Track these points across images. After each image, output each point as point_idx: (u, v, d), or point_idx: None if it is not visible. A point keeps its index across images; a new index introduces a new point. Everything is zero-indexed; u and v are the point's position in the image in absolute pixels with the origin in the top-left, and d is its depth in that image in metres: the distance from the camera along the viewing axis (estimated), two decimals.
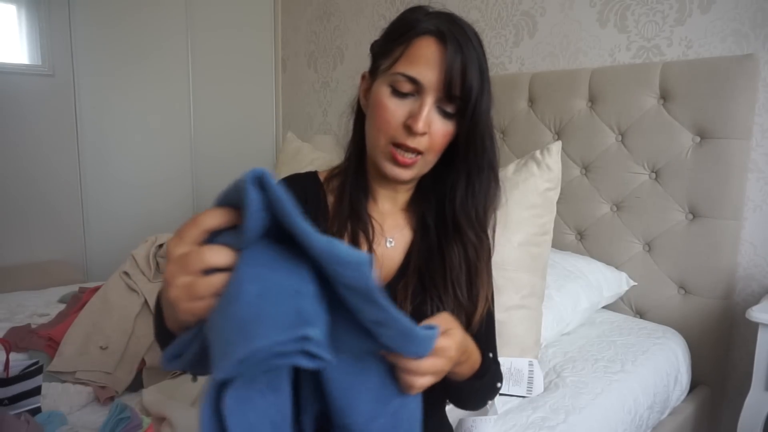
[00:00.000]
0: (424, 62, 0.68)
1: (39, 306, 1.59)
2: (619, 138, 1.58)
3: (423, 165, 0.73)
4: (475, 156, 0.74)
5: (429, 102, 0.69)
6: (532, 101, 1.79)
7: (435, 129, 0.70)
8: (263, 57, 2.87)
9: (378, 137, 0.72)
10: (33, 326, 1.34)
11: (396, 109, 0.70)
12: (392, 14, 2.35)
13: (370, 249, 0.76)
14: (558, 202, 1.42)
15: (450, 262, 0.75)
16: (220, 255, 0.45)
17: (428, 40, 0.69)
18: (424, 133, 0.69)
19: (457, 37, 0.69)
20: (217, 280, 0.45)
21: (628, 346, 1.33)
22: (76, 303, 1.43)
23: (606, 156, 1.61)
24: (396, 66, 0.70)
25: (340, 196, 0.79)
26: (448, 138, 0.72)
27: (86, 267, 2.43)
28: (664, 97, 1.49)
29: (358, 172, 0.80)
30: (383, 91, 0.71)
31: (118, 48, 2.42)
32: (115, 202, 2.49)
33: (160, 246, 1.33)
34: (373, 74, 0.76)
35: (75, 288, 1.73)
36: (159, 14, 2.53)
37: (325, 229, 0.75)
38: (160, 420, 0.96)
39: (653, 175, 1.52)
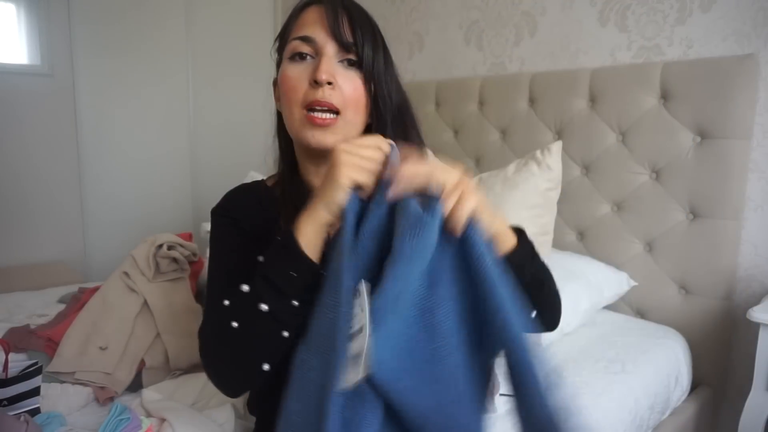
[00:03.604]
0: (311, 22, 0.71)
1: (38, 306, 1.58)
2: (620, 138, 1.58)
3: (344, 126, 0.72)
4: (384, 108, 0.74)
5: (327, 52, 0.70)
6: (532, 101, 1.79)
7: (342, 81, 0.70)
8: (263, 57, 2.85)
9: (292, 109, 0.72)
10: (32, 327, 1.34)
11: (299, 73, 0.71)
12: (391, 14, 2.35)
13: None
14: (558, 202, 1.42)
15: None
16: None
17: (311, 8, 0.73)
18: (330, 83, 0.69)
19: None
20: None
21: (628, 347, 1.32)
22: (75, 303, 1.43)
23: (606, 156, 1.60)
24: (289, 38, 0.73)
25: (284, 205, 0.77)
26: (360, 91, 0.72)
27: (86, 267, 2.43)
28: (665, 96, 1.49)
29: (293, 178, 0.79)
30: (285, 66, 0.73)
31: (117, 48, 2.41)
32: (115, 202, 2.49)
33: (160, 246, 1.33)
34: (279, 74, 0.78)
35: (74, 288, 1.73)
36: (158, 14, 2.53)
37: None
38: (160, 420, 0.96)
39: (654, 175, 1.52)
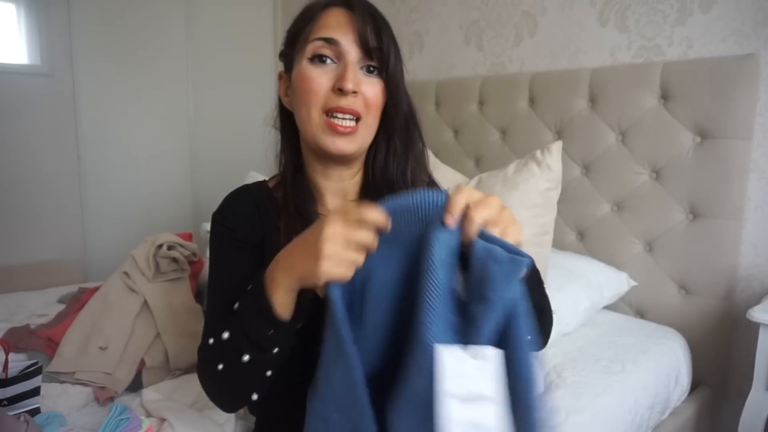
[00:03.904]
0: (336, 25, 0.70)
1: (38, 306, 1.59)
2: (620, 138, 1.58)
3: (364, 131, 0.72)
4: (395, 114, 0.74)
5: (352, 59, 0.69)
6: (532, 101, 1.79)
7: (365, 88, 0.70)
8: (263, 57, 2.87)
9: (310, 112, 0.71)
10: (32, 327, 1.34)
11: (321, 76, 0.70)
12: (392, 14, 2.35)
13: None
14: (558, 202, 1.42)
15: None
16: (379, 214, 0.54)
17: (334, 9, 0.72)
18: (355, 92, 0.69)
19: (363, 3, 0.72)
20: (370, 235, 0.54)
21: (628, 347, 1.32)
22: (75, 303, 1.43)
23: (606, 156, 1.60)
24: (309, 38, 0.71)
25: (285, 206, 0.77)
26: (380, 97, 0.72)
27: (86, 267, 2.43)
28: (665, 96, 1.49)
29: (297, 177, 0.78)
30: (304, 66, 0.71)
31: (117, 48, 2.41)
32: (115, 202, 2.49)
33: (160, 246, 1.33)
34: (288, 68, 0.76)
35: (75, 288, 1.73)
36: (158, 14, 2.53)
37: (280, 240, 0.74)
38: (160, 420, 0.96)
39: (654, 175, 1.52)
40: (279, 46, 0.80)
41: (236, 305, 0.65)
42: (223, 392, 0.68)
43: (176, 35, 2.60)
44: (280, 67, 0.81)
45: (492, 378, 0.49)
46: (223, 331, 0.64)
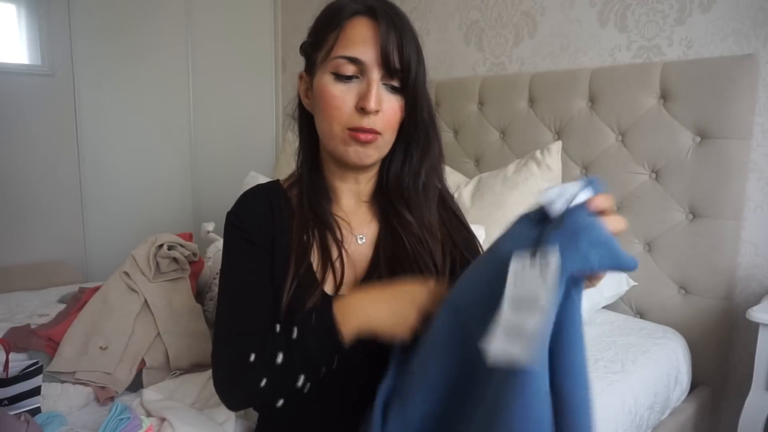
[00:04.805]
0: (361, 41, 0.69)
1: (39, 306, 1.59)
2: (619, 138, 1.58)
3: (383, 145, 0.73)
4: (414, 128, 0.75)
5: (375, 79, 0.69)
6: (532, 101, 1.79)
7: (386, 106, 0.70)
8: (263, 57, 2.87)
9: (332, 127, 0.71)
10: (32, 326, 1.34)
11: (343, 94, 0.70)
12: None
13: (341, 250, 0.75)
14: None
15: (409, 244, 0.76)
16: None
17: (359, 19, 0.70)
18: (377, 111, 0.69)
19: (388, 11, 0.70)
20: None
21: (628, 347, 1.33)
22: (75, 303, 1.43)
23: (606, 156, 1.60)
24: (333, 52, 0.70)
25: (300, 203, 0.77)
26: (400, 114, 0.73)
27: (86, 267, 2.43)
28: (665, 96, 1.49)
29: (313, 176, 0.79)
30: (326, 81, 0.71)
31: (118, 48, 2.42)
32: (115, 202, 2.49)
33: (160, 246, 1.33)
34: (309, 71, 0.76)
35: (75, 288, 1.73)
36: (159, 14, 2.53)
37: (290, 240, 0.75)
38: (160, 420, 0.96)
39: (653, 175, 1.52)
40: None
41: (295, 333, 0.65)
42: (251, 400, 0.71)
43: (176, 35, 2.60)
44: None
45: (548, 289, 0.49)
46: (276, 352, 0.65)
